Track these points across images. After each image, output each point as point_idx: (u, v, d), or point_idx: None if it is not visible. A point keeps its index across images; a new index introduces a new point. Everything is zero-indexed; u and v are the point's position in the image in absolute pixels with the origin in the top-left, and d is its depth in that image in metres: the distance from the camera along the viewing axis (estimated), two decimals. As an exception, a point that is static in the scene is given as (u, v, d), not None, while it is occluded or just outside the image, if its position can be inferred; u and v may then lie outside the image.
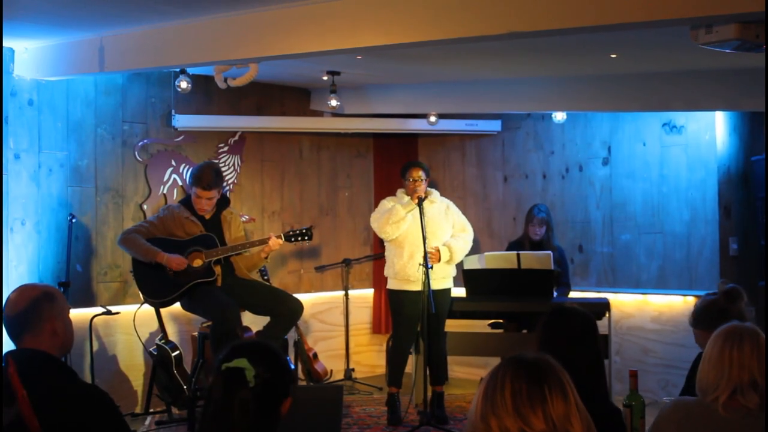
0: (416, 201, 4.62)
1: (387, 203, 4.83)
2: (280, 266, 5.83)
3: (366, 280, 6.33)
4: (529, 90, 5.30)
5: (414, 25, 3.38)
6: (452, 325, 5.04)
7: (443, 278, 4.73)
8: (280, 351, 1.89)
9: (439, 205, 4.82)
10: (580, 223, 5.70)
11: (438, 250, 4.65)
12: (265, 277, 5.10)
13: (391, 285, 4.78)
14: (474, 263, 4.96)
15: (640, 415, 2.40)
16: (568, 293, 5.18)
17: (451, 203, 4.90)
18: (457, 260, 4.75)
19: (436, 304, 4.33)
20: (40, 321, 2.16)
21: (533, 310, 4.61)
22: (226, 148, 5.58)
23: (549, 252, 4.82)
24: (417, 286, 4.60)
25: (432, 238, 4.63)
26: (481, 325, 5.14)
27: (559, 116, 5.58)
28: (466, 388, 5.63)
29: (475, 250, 5.75)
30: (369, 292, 6.33)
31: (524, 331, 4.92)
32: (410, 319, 4.66)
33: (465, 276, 4.84)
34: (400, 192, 4.86)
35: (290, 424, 1.86)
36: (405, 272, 4.65)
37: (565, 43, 3.93)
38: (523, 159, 6.00)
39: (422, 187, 4.70)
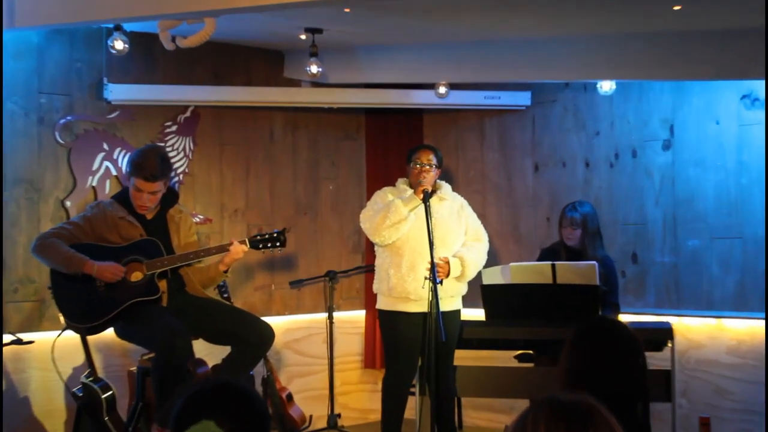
0: (421, 195, 4.60)
1: (383, 197, 4.83)
2: (244, 281, 5.82)
3: (356, 298, 6.34)
4: (567, 53, 5.30)
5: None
6: (466, 358, 5.02)
7: (451, 297, 4.75)
8: (254, 392, 1.88)
9: (450, 204, 4.83)
10: (633, 225, 5.70)
11: (447, 263, 4.66)
12: (225, 296, 5.11)
13: (384, 304, 4.79)
14: (495, 277, 4.97)
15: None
16: (617, 315, 5.18)
17: (465, 203, 4.93)
18: (469, 277, 4.78)
19: (445, 328, 4.33)
20: None
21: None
22: (174, 128, 5.58)
23: (593, 263, 4.82)
24: (418, 306, 4.61)
25: (440, 245, 4.63)
26: (505, 358, 5.15)
27: (607, 86, 5.57)
28: (485, 439, 5.63)
29: (495, 259, 5.71)
30: (359, 315, 6.33)
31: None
32: (409, 349, 4.68)
33: (484, 293, 4.83)
34: (401, 183, 4.88)
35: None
36: (403, 287, 4.66)
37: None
38: (559, 142, 5.99)
39: (430, 177, 4.72)
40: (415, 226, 4.65)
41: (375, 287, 4.83)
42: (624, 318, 5.29)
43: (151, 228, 4.50)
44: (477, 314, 5.06)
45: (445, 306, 4.59)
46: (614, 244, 5.66)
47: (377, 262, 4.84)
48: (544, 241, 5.80)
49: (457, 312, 4.81)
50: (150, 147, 4.71)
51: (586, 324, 2.42)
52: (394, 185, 4.90)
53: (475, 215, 4.94)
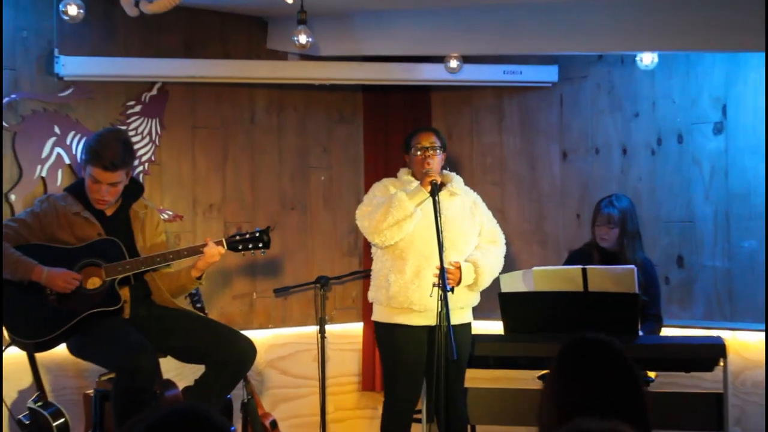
0: (429, 187, 4.59)
1: (383, 189, 4.82)
2: (221, 288, 5.81)
3: (352, 309, 6.33)
4: (601, 19, 5.27)
5: None
6: (480, 378, 5.03)
7: (461, 308, 4.73)
8: (226, 424, 1.86)
9: (462, 200, 4.84)
10: (678, 223, 5.68)
11: (459, 268, 4.66)
12: (198, 306, 5.10)
13: (381, 315, 4.78)
14: (516, 283, 4.98)
15: None
16: (659, 329, 5.16)
17: (478, 198, 4.94)
18: (483, 285, 4.79)
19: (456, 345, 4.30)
20: None
21: None
22: (138, 108, 5.56)
23: (632, 267, 4.81)
24: (423, 319, 4.60)
25: (450, 247, 4.61)
26: (527, 379, 5.13)
27: (648, 59, 5.55)
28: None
29: (516, 263, 5.69)
30: (356, 329, 6.33)
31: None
32: (412, 369, 4.70)
33: (503, 303, 4.81)
34: (404, 173, 4.88)
35: None
36: (406, 297, 4.64)
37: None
38: (591, 125, 5.99)
39: (436, 162, 4.73)
40: (421, 225, 4.62)
41: (371, 295, 4.83)
42: (668, 332, 5.29)
43: (111, 226, 4.53)
44: (494, 327, 5.04)
45: (454, 319, 4.56)
46: (656, 245, 5.66)
47: (375, 266, 4.84)
48: (574, 241, 5.80)
49: (468, 326, 4.81)
50: (110, 131, 4.71)
51: (570, 343, 2.47)
52: (395, 176, 4.90)
53: (490, 213, 4.95)
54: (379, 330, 4.79)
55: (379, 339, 4.82)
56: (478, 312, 4.94)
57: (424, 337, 4.60)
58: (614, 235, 5.13)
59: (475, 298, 4.80)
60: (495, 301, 4.81)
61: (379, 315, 4.76)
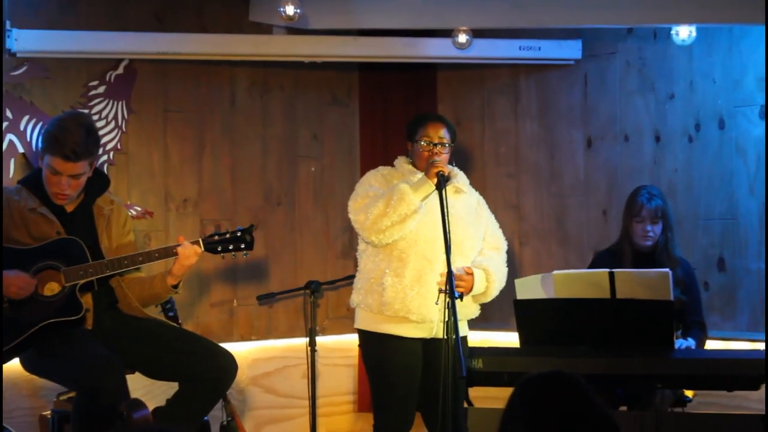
0: (435, 179, 4.54)
1: (380, 179, 4.80)
2: (197, 296, 5.82)
3: (347, 318, 6.27)
4: None
5: None
6: (490, 398, 4.90)
7: (460, 320, 4.62)
8: None
9: (467, 199, 4.83)
10: (719, 220, 5.70)
11: (471, 274, 4.64)
12: (171, 315, 5.09)
13: (368, 323, 4.72)
14: (533, 289, 4.97)
15: None
16: (703, 341, 5.18)
17: (482, 199, 4.94)
18: (491, 296, 4.79)
19: (456, 361, 4.24)
20: None
21: (638, 373, 4.56)
22: (102, 89, 5.58)
23: (666, 270, 4.80)
24: (419, 330, 4.58)
25: (456, 251, 4.57)
26: None
27: (684, 33, 5.55)
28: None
29: (533, 266, 5.75)
30: (351, 341, 6.20)
31: (623, 407, 4.89)
32: (406, 388, 4.66)
33: (519, 311, 4.75)
34: (402, 161, 4.84)
35: None
36: (404, 304, 4.59)
37: None
38: (620, 108, 5.99)
39: (443, 158, 4.68)
40: (425, 223, 4.58)
41: (356, 300, 4.75)
42: (708, 344, 5.27)
43: (72, 224, 4.50)
44: (508, 339, 5.05)
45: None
46: (693, 245, 5.67)
47: (364, 266, 4.77)
48: (599, 241, 5.80)
49: (464, 340, 4.72)
50: (71, 115, 4.71)
51: (527, 380, 2.48)
52: (392, 165, 4.87)
53: (493, 216, 4.93)
54: (365, 340, 4.73)
55: (366, 351, 4.76)
56: (492, 322, 4.93)
57: (419, 351, 4.59)
58: (658, 231, 5.11)
59: (475, 310, 4.81)
60: (509, 309, 4.74)
61: (365, 322, 4.70)
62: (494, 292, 4.75)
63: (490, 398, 4.97)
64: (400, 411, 4.69)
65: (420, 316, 4.54)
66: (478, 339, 5.36)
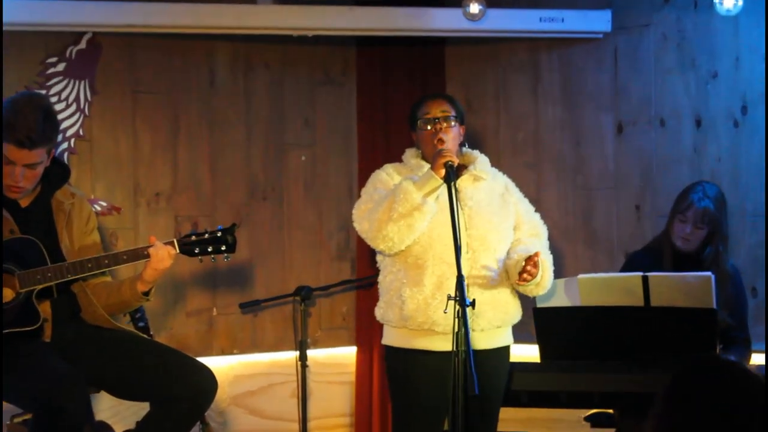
0: (443, 171, 4.52)
1: (386, 179, 4.79)
2: (171, 304, 5.83)
3: (342, 329, 6.36)
4: None
5: None
6: (510, 420, 5.00)
7: (498, 327, 4.71)
8: None
9: (490, 186, 4.81)
10: None
11: (537, 262, 4.57)
12: (141, 325, 5.12)
13: (394, 338, 4.76)
14: (556, 295, 4.99)
15: None
16: (749, 357, 5.20)
17: (510, 183, 4.92)
18: (546, 289, 4.73)
19: (482, 377, 4.20)
20: None
21: None
22: (61, 67, 5.60)
23: (708, 274, 4.82)
24: (449, 343, 4.47)
25: (480, 247, 4.60)
26: (570, 420, 5.24)
27: (729, 2, 5.52)
28: None
29: (556, 268, 5.76)
30: (347, 354, 6.36)
31: (658, 431, 4.88)
32: (433, 409, 4.66)
33: (539, 321, 4.84)
34: (411, 155, 4.85)
35: None
36: (426, 315, 4.61)
37: None
38: (655, 88, 6.00)
39: (450, 137, 4.68)
40: (440, 222, 4.56)
41: (379, 314, 4.79)
42: (755, 359, 5.31)
43: (28, 221, 4.50)
44: (526, 353, 5.09)
45: (488, 341, 4.60)
46: (740, 246, 5.69)
47: (384, 278, 4.80)
48: (631, 241, 5.82)
49: (505, 350, 4.78)
50: (25, 96, 4.65)
51: (687, 368, 2.46)
52: (400, 160, 4.86)
53: (527, 200, 4.90)
54: (389, 357, 4.77)
55: (390, 369, 4.79)
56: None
57: (449, 367, 4.51)
58: (700, 237, 5.13)
59: (517, 313, 4.76)
60: (528, 318, 4.80)
61: (390, 338, 4.74)
62: (548, 282, 4.71)
63: (507, 420, 5.00)
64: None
65: (446, 327, 4.48)
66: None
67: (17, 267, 4.36)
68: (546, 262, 4.68)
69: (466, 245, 4.50)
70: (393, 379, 4.79)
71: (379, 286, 4.83)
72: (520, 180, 5.00)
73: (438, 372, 4.56)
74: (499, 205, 4.76)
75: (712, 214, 5.11)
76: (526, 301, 4.83)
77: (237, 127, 6.08)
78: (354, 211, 4.75)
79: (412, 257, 4.63)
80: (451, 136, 4.65)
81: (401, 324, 4.66)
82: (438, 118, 4.65)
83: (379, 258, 4.83)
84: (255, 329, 6.08)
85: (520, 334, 5.08)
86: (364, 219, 4.67)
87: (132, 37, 5.72)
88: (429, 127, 4.66)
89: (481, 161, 4.79)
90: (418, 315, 4.59)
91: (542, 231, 4.84)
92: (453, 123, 4.66)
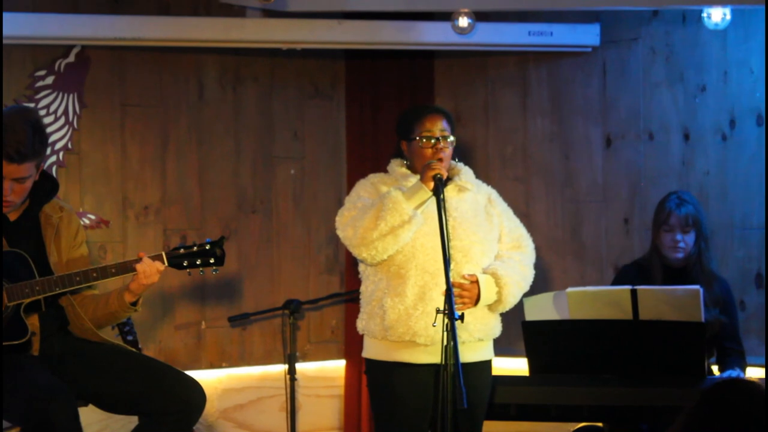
0: (432, 183, 4.55)
1: (371, 188, 4.80)
2: (160, 317, 5.83)
3: (331, 342, 6.36)
4: None
5: None
6: None
7: (480, 341, 4.72)
8: None
9: (474, 197, 4.82)
10: (758, 230, 5.69)
11: (476, 282, 4.61)
12: (130, 338, 5.11)
13: (374, 351, 4.75)
14: (544, 309, 5.02)
15: None
16: (743, 368, 5.19)
17: (494, 193, 4.91)
18: (508, 305, 4.73)
19: (467, 390, 4.19)
20: None
21: (665, 404, 4.60)
22: (50, 80, 5.61)
23: (696, 287, 4.82)
24: (430, 355, 4.56)
25: (463, 258, 4.62)
26: None
27: (717, 16, 5.55)
28: None
29: (544, 282, 5.74)
30: (336, 368, 6.36)
31: (647, 446, 4.92)
32: (414, 422, 4.66)
33: (528, 334, 4.85)
34: (396, 165, 4.84)
35: None
36: (408, 326, 4.60)
37: None
38: (644, 102, 6.00)
39: (449, 155, 4.70)
40: (424, 233, 4.58)
41: (360, 326, 4.79)
42: (749, 372, 5.29)
43: (16, 235, 4.48)
44: (515, 366, 5.08)
45: (469, 354, 4.59)
46: (727, 258, 5.68)
47: (365, 288, 4.80)
48: (620, 254, 5.83)
49: (487, 364, 4.78)
50: (14, 110, 4.64)
51: (717, 387, 2.48)
52: (385, 171, 4.85)
53: (511, 211, 4.89)
54: (371, 370, 4.75)
55: (372, 382, 4.76)
56: (496, 347, 4.86)
57: (431, 380, 4.56)
58: (691, 240, 5.14)
59: (496, 327, 4.75)
60: (517, 331, 4.83)
61: (371, 351, 4.72)
62: (511, 298, 4.68)
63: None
64: None
65: (428, 339, 4.53)
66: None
67: (5, 281, 4.33)
68: (506, 278, 4.65)
69: (450, 256, 4.46)
70: (374, 392, 4.77)
71: (360, 297, 4.82)
72: (508, 193, 5.02)
73: (420, 385, 4.59)
74: (483, 216, 4.76)
75: (695, 215, 5.14)
76: (512, 315, 4.82)
77: (226, 140, 6.08)
78: (337, 218, 4.74)
79: (394, 266, 4.62)
80: (449, 153, 4.68)
81: (382, 335, 4.65)
82: (438, 137, 4.65)
83: (361, 267, 4.82)
84: (244, 342, 6.08)
85: (508, 347, 5.09)
86: (348, 226, 4.66)
87: (121, 51, 5.72)
88: (428, 144, 4.65)
89: (465, 172, 4.80)
90: (398, 325, 4.58)
91: (526, 243, 4.83)
92: (449, 143, 4.67)
